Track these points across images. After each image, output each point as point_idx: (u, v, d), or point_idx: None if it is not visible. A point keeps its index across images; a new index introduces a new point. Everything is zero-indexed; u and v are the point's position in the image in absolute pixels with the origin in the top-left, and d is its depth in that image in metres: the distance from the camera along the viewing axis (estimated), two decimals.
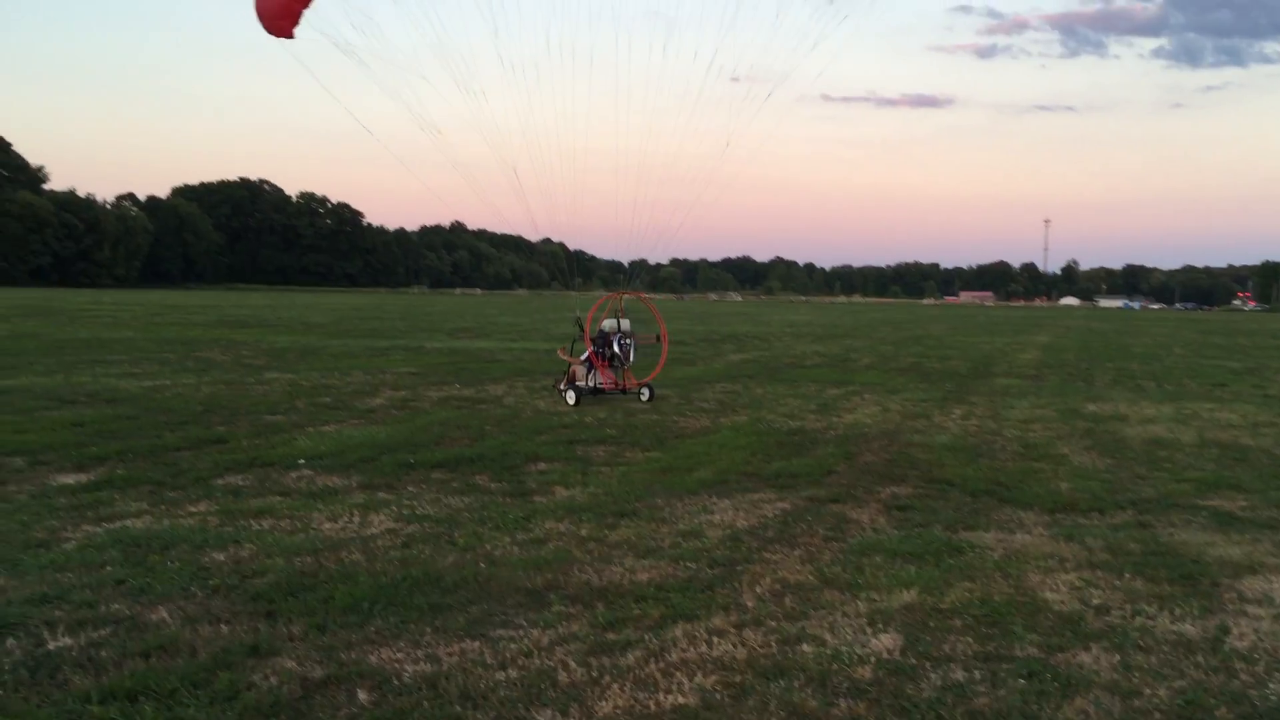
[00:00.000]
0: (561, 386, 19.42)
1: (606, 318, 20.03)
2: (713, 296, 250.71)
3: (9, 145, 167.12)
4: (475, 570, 7.94)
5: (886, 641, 6.65)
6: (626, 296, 20.75)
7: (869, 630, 6.87)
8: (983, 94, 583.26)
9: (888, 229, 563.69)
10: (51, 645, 6.17)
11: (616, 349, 19.46)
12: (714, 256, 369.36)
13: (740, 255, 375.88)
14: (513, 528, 9.37)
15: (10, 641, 6.20)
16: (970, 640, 6.74)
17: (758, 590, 7.69)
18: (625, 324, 19.82)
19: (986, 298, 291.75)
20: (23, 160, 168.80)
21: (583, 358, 19.45)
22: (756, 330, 56.65)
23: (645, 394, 19.40)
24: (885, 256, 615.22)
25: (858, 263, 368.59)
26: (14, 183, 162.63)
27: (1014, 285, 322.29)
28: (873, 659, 6.35)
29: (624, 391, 19.56)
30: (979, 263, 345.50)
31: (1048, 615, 7.31)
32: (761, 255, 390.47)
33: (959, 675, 6.15)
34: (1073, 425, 17.85)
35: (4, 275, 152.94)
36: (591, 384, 19.29)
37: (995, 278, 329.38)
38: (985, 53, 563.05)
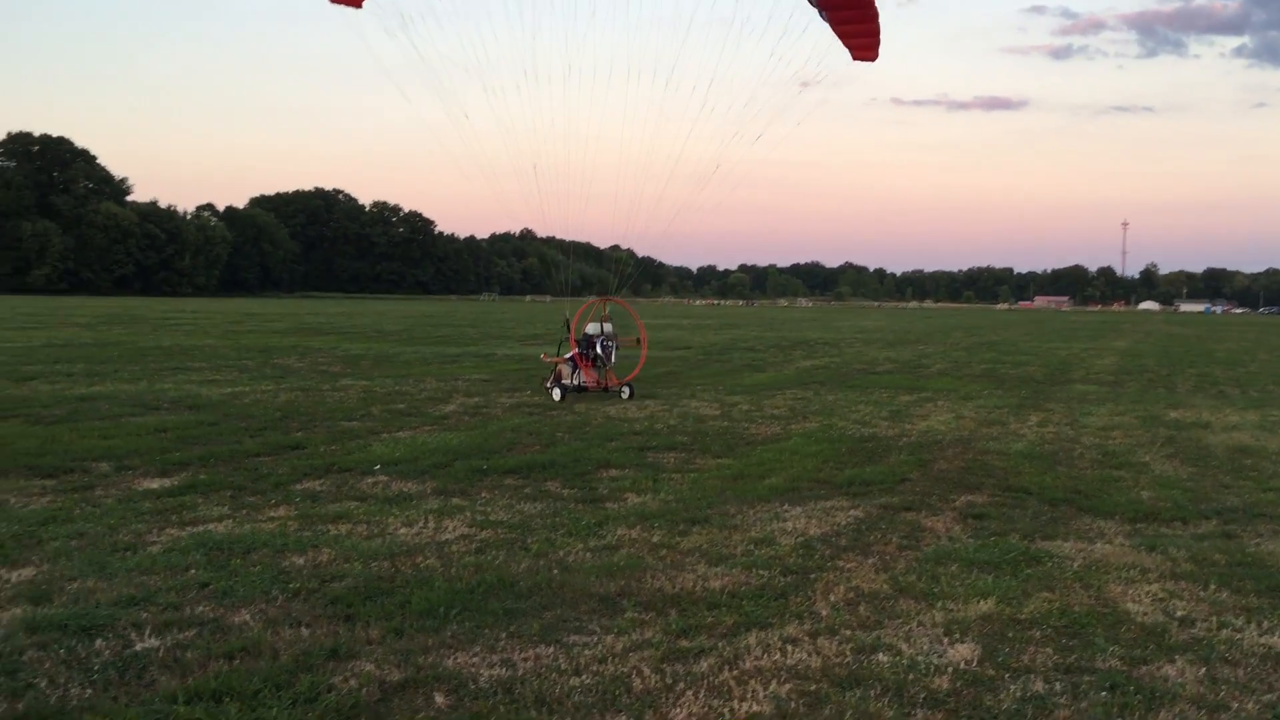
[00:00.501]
0: (549, 384, 20.80)
1: (591, 321, 21.64)
2: (783, 302, 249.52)
3: (94, 158, 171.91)
4: (548, 576, 7.99)
5: (964, 652, 6.57)
6: (612, 302, 22.49)
7: (945, 640, 6.79)
8: (1058, 95, 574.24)
9: (960, 233, 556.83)
10: (139, 646, 6.33)
11: (599, 350, 20.97)
12: (783, 262, 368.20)
13: (809, 261, 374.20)
14: (585, 534, 9.42)
15: (99, 642, 6.37)
16: (1050, 651, 6.64)
17: (831, 599, 7.64)
18: (608, 328, 21.41)
19: (1062, 302, 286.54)
20: (107, 172, 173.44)
21: (567, 357, 20.95)
22: (827, 336, 56.26)
23: (626, 392, 20.73)
24: (958, 261, 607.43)
25: (929, 268, 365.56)
26: (99, 194, 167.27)
27: (1091, 290, 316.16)
28: (950, 669, 6.28)
29: (606, 390, 20.94)
30: (1054, 267, 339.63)
31: (1130, 627, 7.17)
32: (831, 261, 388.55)
33: (1039, 687, 6.06)
34: (1154, 432, 17.47)
35: (90, 284, 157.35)
36: (576, 382, 20.73)
37: (1071, 282, 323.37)
38: (1060, 53, 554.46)
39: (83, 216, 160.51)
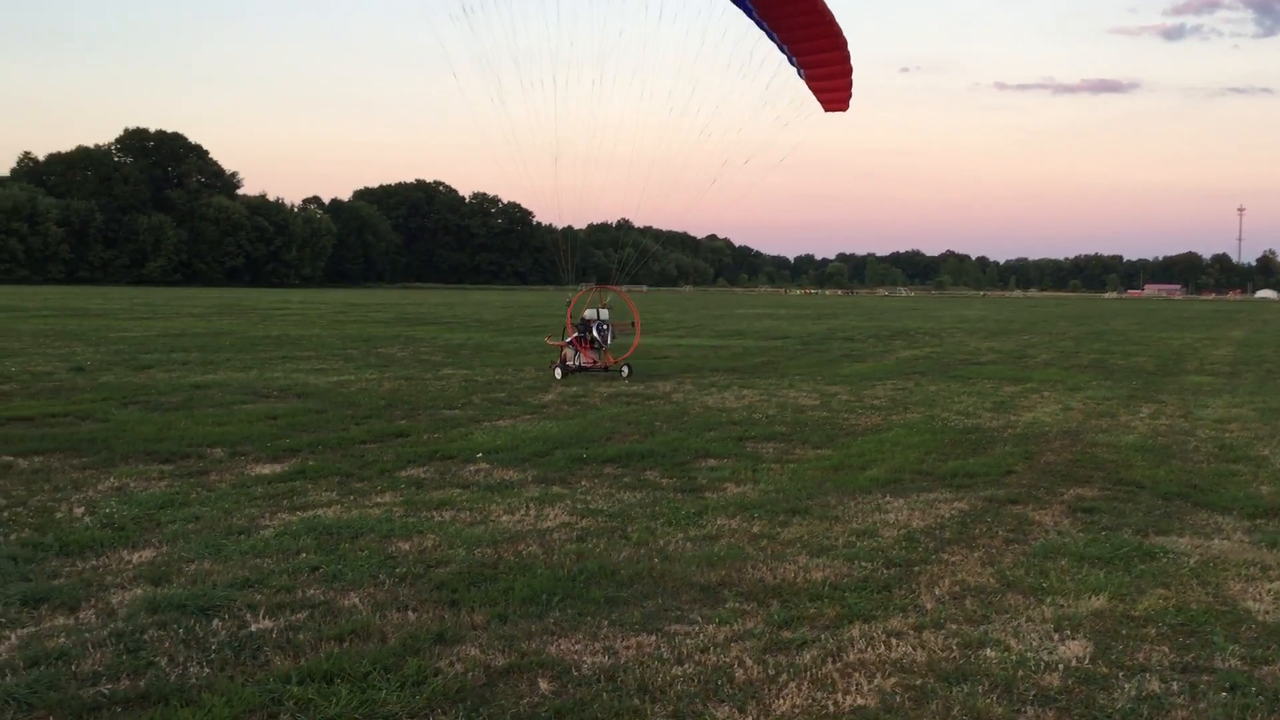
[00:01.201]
0: (554, 365, 22.73)
1: (588, 308, 23.62)
2: (882, 292, 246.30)
3: (206, 153, 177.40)
4: (649, 565, 8.01)
5: (1075, 648, 6.41)
6: (608, 291, 24.60)
7: (1056, 636, 6.63)
8: (1170, 77, 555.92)
9: (1066, 220, 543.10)
10: (253, 627, 6.51)
11: (595, 334, 22.94)
12: (881, 251, 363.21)
13: (909, 249, 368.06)
14: (685, 523, 9.41)
15: (216, 622, 6.57)
16: (1166, 650, 6.43)
17: (936, 592, 7.52)
18: (604, 313, 23.39)
19: (1174, 291, 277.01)
20: (219, 167, 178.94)
21: (568, 341, 22.94)
22: (927, 326, 55.38)
23: (625, 370, 22.63)
24: (1063, 249, 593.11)
25: (1033, 255, 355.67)
26: (210, 188, 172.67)
27: (1204, 278, 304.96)
28: (1061, 666, 6.12)
29: (605, 369, 22.75)
30: (1166, 254, 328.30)
31: (1251, 626, 6.92)
32: (931, 249, 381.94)
33: (1154, 686, 5.88)
34: (1273, 425, 16.81)
35: (202, 275, 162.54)
36: (576, 363, 22.63)
37: (1184, 270, 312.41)
38: (1172, 34, 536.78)
39: (195, 210, 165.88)
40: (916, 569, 8.10)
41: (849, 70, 13.51)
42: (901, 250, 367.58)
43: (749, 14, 12.93)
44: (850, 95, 13.88)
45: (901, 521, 9.65)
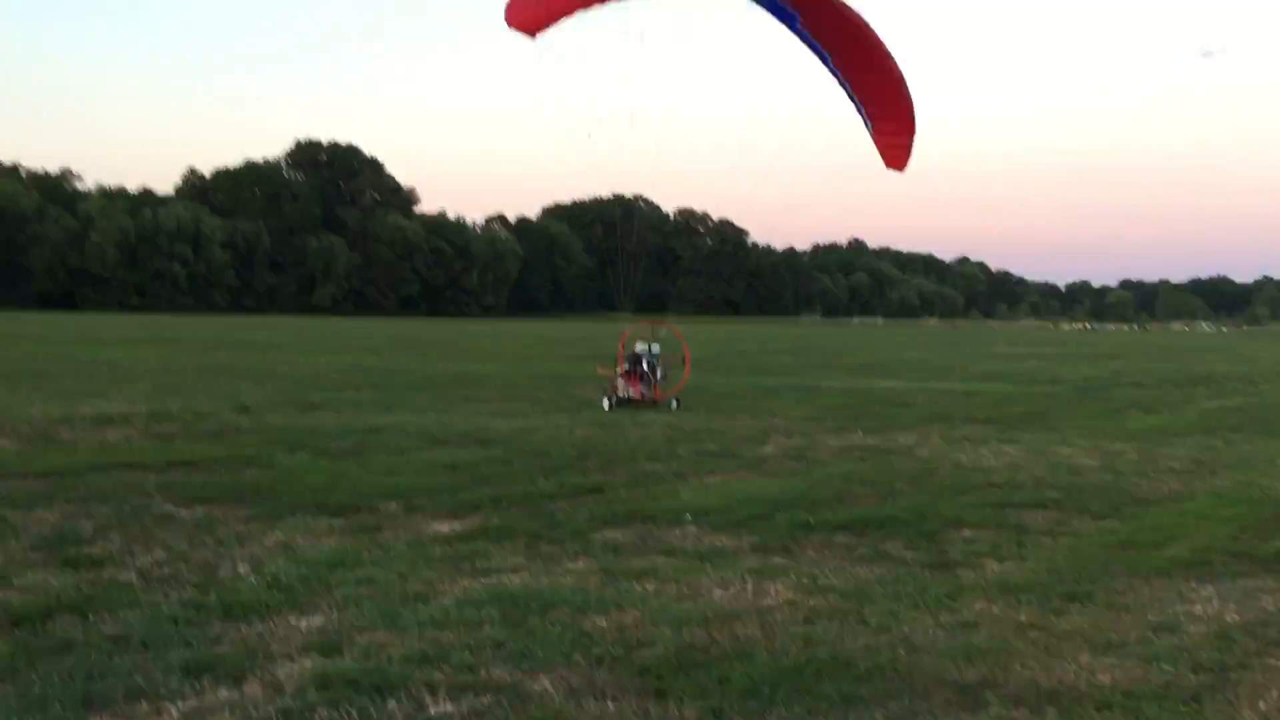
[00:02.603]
0: (603, 393, 25.77)
1: (639, 342, 26.94)
2: (1179, 326, 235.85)
3: (381, 166, 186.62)
4: (892, 656, 7.85)
5: None
6: (660, 329, 27.95)
7: None
8: None
9: None
10: (433, 710, 6.69)
11: (645, 367, 26.07)
12: (1177, 276, 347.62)
13: (1213, 275, 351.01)
14: (935, 607, 9.19)
15: (392, 704, 6.78)
16: None
17: (1262, 706, 7.07)
18: (655, 348, 26.69)
19: None
20: (395, 182, 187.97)
21: (619, 373, 26.09)
22: (1238, 370, 52.64)
23: (674, 404, 25.61)
24: None
25: None
26: (385, 206, 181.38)
27: None
28: None
29: (653, 403, 25.64)
30: None
31: None
32: (1242, 275, 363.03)
33: None
34: None
35: (375, 304, 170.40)
36: (624, 395, 25.62)
37: None
38: None
39: (369, 230, 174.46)
40: (1234, 676, 7.66)
41: (914, 128, 14.95)
42: (1203, 276, 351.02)
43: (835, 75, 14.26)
44: (910, 155, 15.37)
45: (1212, 615, 9.16)
